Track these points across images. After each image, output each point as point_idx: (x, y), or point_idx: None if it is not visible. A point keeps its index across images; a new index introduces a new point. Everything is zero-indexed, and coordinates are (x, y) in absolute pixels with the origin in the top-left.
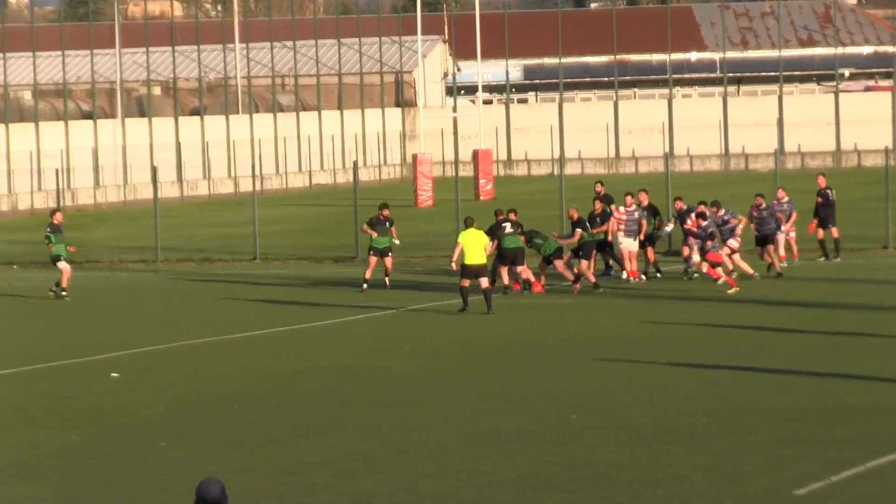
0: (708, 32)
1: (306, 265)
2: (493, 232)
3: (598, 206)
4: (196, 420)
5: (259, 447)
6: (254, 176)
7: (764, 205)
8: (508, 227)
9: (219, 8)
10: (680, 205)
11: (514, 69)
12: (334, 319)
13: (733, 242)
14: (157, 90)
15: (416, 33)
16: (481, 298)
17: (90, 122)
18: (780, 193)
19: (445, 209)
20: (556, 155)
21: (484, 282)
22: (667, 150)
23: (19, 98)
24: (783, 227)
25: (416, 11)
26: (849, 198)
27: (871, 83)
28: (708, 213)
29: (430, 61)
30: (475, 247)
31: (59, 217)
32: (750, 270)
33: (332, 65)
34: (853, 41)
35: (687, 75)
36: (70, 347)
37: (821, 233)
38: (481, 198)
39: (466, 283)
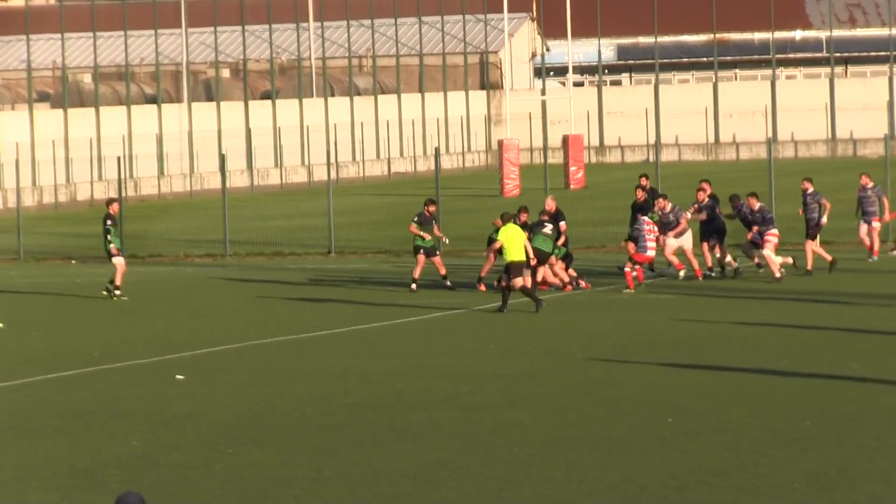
0: (813, 9)
1: (384, 259)
2: (532, 229)
3: (641, 194)
4: (267, 424)
5: (334, 453)
6: (329, 164)
7: (811, 189)
8: (547, 228)
9: None
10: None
11: (606, 49)
12: (406, 318)
13: (672, 241)
14: (225, 72)
15: (502, 11)
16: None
17: (154, 106)
18: (865, 180)
19: (533, 199)
20: (652, 140)
21: (519, 281)
22: (769, 135)
23: (78, 81)
24: (885, 216)
25: None
26: None
27: None
28: (656, 207)
29: (517, 41)
30: (516, 244)
31: (115, 207)
32: (782, 261)
33: (413, 45)
34: None
35: (791, 55)
36: (133, 347)
37: None
38: (572, 186)
39: (519, 281)
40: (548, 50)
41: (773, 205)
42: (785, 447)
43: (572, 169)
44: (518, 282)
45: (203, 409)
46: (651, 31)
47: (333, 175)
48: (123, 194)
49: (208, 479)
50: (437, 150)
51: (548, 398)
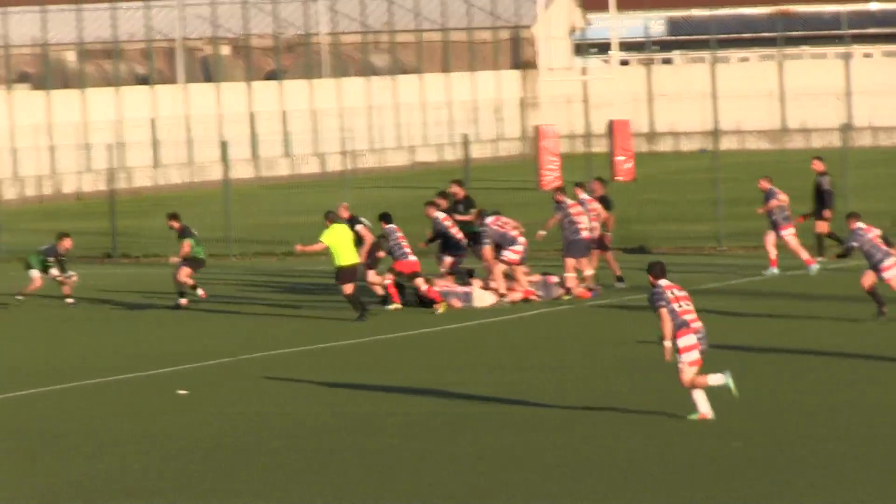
0: None
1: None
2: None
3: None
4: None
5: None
6: (343, 152)
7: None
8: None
9: None
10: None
11: (655, 23)
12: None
13: (510, 254)
14: (225, 50)
15: None
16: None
17: (146, 87)
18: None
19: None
20: (709, 127)
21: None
22: (844, 120)
23: (62, 60)
24: None
25: None
26: None
27: None
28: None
29: (554, 13)
30: (345, 246)
31: (66, 244)
32: None
33: (436, 18)
34: None
35: (868, 30)
36: (135, 359)
37: None
38: (619, 178)
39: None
40: (588, 24)
41: (849, 199)
42: (869, 468)
43: (619, 158)
44: (348, 288)
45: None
46: (706, 2)
47: (349, 165)
48: (114, 186)
49: None
50: (465, 136)
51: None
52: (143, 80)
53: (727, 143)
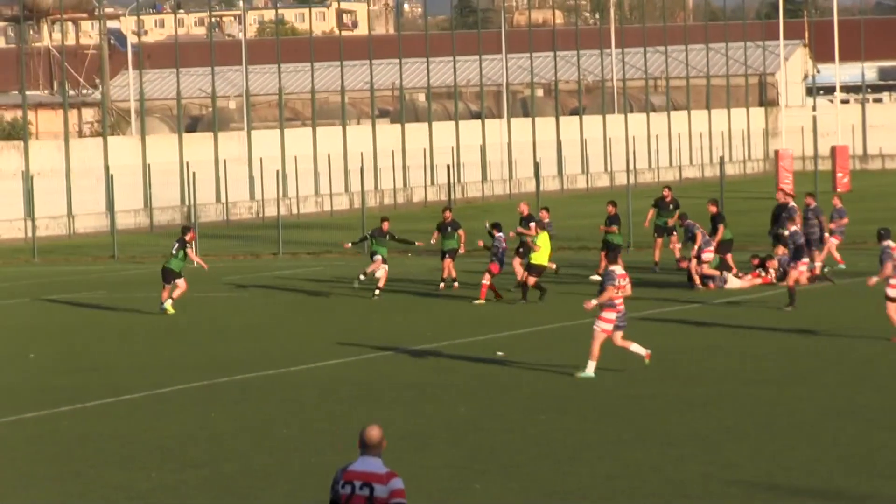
0: None
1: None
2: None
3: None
4: (573, 396)
5: (632, 420)
6: (627, 170)
7: (813, 205)
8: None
9: (596, 16)
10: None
11: (869, 71)
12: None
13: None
14: (539, 92)
15: (778, 38)
16: None
17: (478, 121)
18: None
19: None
20: None
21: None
22: None
23: (414, 100)
24: None
25: (778, 18)
26: None
27: None
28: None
29: (792, 64)
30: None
31: (191, 235)
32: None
33: (701, 67)
34: None
35: None
36: (455, 327)
37: None
38: (839, 190)
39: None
40: (818, 72)
41: None
42: None
43: (839, 175)
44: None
45: (519, 380)
46: None
47: (632, 180)
48: (452, 196)
49: (524, 441)
50: (721, 158)
51: (821, 374)
52: (476, 116)
53: None
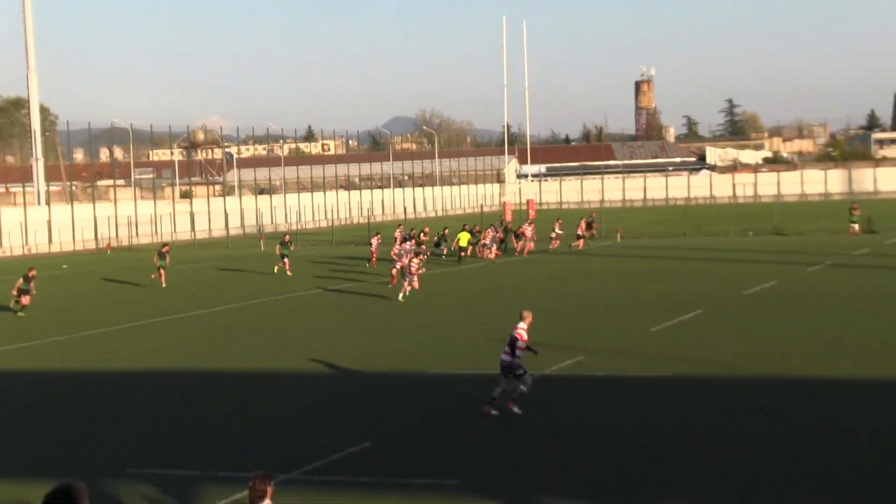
0: None
1: None
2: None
3: None
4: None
5: None
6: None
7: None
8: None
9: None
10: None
11: (543, 168)
12: None
13: None
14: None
15: (505, 153)
16: None
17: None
18: None
19: None
20: None
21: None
22: None
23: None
24: None
25: (504, 145)
26: None
27: None
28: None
29: (510, 165)
30: None
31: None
32: None
33: (472, 165)
34: None
35: None
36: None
37: None
38: (531, 216)
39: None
40: (521, 168)
41: None
42: None
43: (531, 212)
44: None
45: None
46: None
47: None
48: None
49: None
50: (481, 206)
51: None
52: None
53: None
